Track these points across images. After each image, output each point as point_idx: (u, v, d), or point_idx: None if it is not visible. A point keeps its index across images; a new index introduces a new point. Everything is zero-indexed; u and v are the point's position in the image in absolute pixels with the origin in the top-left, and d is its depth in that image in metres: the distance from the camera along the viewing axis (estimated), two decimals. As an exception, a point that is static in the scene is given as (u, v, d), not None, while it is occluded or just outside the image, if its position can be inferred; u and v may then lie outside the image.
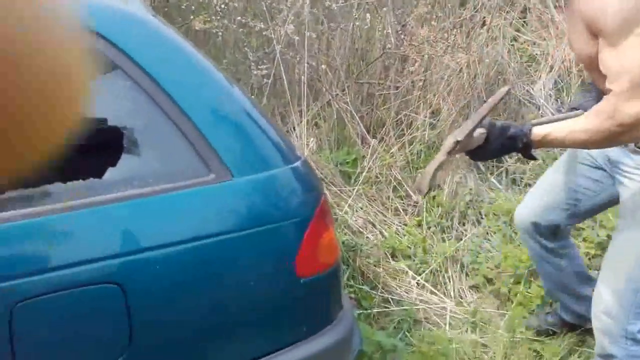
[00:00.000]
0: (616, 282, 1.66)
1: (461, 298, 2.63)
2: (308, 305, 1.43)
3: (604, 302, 1.68)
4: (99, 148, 1.29)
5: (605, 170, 1.81)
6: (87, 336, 1.22)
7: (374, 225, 2.97)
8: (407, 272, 2.64)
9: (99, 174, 1.23)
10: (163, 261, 1.25)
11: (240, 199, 1.36)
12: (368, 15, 3.05)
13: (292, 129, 3.23)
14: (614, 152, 1.70)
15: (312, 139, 3.09)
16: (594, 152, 1.79)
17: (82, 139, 0.38)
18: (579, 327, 2.24)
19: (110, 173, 1.24)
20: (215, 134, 1.34)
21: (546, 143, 1.55)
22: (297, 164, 1.46)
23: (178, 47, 1.36)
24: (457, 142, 1.53)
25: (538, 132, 1.52)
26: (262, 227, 1.37)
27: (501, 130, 1.52)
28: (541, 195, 2.01)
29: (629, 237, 1.65)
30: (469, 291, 2.66)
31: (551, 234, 2.02)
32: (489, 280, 2.66)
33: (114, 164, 1.24)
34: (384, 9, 3.35)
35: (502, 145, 1.53)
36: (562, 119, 1.60)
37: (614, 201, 1.82)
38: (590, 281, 2.07)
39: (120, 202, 1.22)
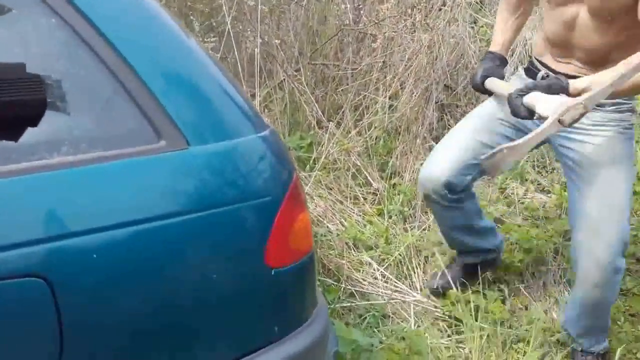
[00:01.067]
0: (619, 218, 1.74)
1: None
2: (280, 300, 1.19)
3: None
4: (15, 103, 1.00)
5: (526, 133, 1.80)
6: (6, 345, 0.93)
7: (333, 214, 2.76)
8: (370, 263, 2.44)
9: (15, 136, 0.95)
10: (99, 249, 0.98)
11: (197, 173, 1.10)
12: (327, -13, 2.83)
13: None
14: None
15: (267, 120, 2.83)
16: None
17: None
18: (480, 266, 2.23)
19: (29, 135, 0.95)
20: (167, 91, 1.08)
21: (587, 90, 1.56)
22: (266, 132, 1.22)
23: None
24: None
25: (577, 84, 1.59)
26: (225, 207, 1.12)
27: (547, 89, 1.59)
28: (455, 153, 1.94)
29: (607, 180, 1.73)
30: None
31: (461, 190, 1.98)
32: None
33: (34, 123, 0.96)
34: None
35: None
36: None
37: None
38: (481, 212, 2.18)
39: (42, 172, 0.94)
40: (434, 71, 3.15)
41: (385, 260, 2.49)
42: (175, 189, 1.07)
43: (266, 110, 3.21)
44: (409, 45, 3.05)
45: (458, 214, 2.07)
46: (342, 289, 2.20)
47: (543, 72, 1.79)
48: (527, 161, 3.19)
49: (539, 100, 1.58)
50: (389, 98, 3.07)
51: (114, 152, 1.02)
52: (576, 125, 1.61)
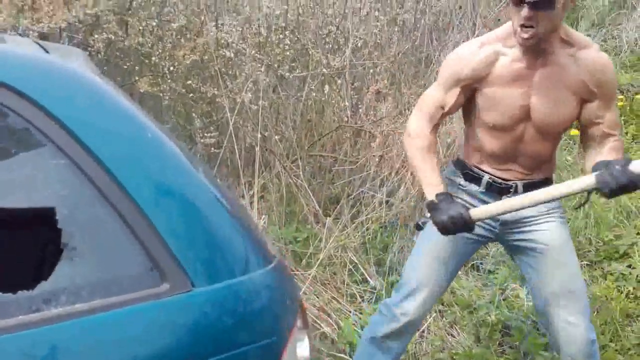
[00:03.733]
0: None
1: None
2: None
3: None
4: (11, 251, 0.96)
5: (483, 240, 1.94)
6: None
7: (329, 315, 2.67)
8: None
9: (12, 288, 0.89)
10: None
11: (202, 316, 1.04)
12: (327, 86, 2.88)
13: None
14: (512, 214, 1.80)
15: (263, 215, 2.79)
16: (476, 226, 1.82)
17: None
18: None
19: (27, 286, 0.90)
20: (173, 230, 1.04)
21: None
22: (272, 265, 1.18)
23: (134, 120, 1.07)
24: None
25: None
26: (230, 352, 1.06)
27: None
28: (433, 294, 1.91)
29: (566, 258, 1.86)
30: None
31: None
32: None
33: (32, 274, 0.91)
34: (339, 81, 3.22)
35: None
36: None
37: None
38: None
39: (35, 328, 0.88)
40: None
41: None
42: (179, 335, 1.01)
43: (262, 201, 3.19)
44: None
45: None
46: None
47: (487, 177, 1.84)
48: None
49: None
50: (386, 194, 3.06)
51: (113, 299, 0.96)
52: (525, 219, 1.82)
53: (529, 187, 1.79)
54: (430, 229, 1.81)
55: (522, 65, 1.74)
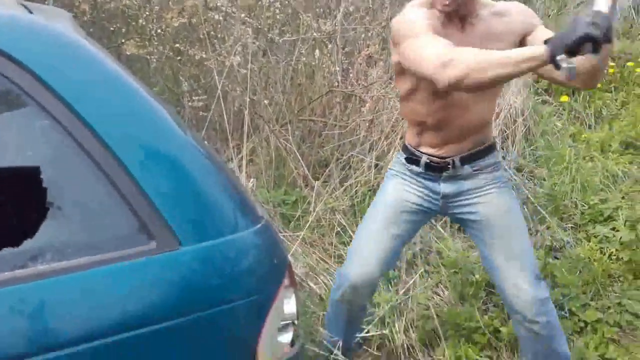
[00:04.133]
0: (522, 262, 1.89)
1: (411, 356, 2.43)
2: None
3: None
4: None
5: (428, 211, 1.96)
6: None
7: (316, 275, 2.72)
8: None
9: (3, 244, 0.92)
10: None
11: (189, 274, 1.07)
12: (317, 51, 2.86)
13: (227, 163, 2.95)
14: (452, 186, 1.89)
15: (252, 178, 2.81)
16: (416, 197, 1.92)
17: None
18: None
19: (11, 241, 0.92)
20: (158, 188, 1.06)
21: None
22: (260, 225, 1.20)
23: (120, 81, 1.08)
24: None
25: None
26: (217, 307, 1.09)
27: None
28: (380, 255, 1.94)
29: (508, 228, 1.88)
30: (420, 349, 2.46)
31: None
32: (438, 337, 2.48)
33: (18, 229, 0.93)
34: (330, 46, 3.19)
35: None
36: None
37: None
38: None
39: (21, 284, 0.91)
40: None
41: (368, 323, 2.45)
42: (166, 292, 1.04)
43: (251, 164, 3.20)
44: (396, 106, 3.08)
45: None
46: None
47: (425, 158, 1.89)
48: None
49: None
50: (376, 158, 3.08)
51: (100, 257, 0.99)
52: (465, 192, 1.89)
53: (465, 160, 1.86)
54: (378, 197, 1.98)
55: (452, 30, 1.74)
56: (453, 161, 1.88)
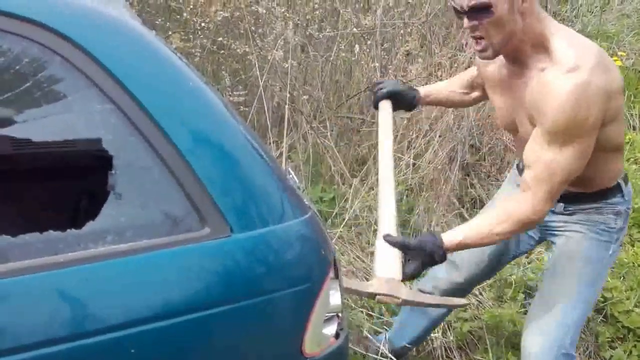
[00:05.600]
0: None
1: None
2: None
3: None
4: (57, 190, 0.99)
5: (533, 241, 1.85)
6: None
7: (353, 273, 2.71)
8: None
9: (59, 226, 0.93)
10: (139, 342, 0.95)
11: (240, 261, 1.08)
12: (357, 46, 2.85)
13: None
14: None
15: (293, 172, 2.81)
16: None
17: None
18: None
19: (75, 225, 0.94)
20: (211, 175, 1.07)
21: (462, 247, 1.55)
22: (307, 216, 1.20)
23: (176, 68, 1.09)
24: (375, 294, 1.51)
25: (450, 240, 1.52)
26: (265, 296, 1.09)
27: (418, 251, 1.51)
28: (463, 267, 1.89)
29: (559, 277, 1.68)
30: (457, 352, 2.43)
31: None
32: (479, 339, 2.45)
33: (80, 213, 0.95)
34: (369, 42, 3.18)
35: (423, 263, 1.53)
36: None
37: None
38: None
39: (82, 265, 0.92)
40: (459, 129, 3.14)
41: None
42: (218, 278, 1.05)
43: (289, 161, 3.21)
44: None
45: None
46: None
47: None
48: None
49: (382, 253, 1.54)
50: (413, 156, 3.05)
51: (157, 240, 1.00)
52: (553, 220, 1.68)
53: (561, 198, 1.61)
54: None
55: (505, 72, 1.58)
56: None
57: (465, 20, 1.45)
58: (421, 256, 1.50)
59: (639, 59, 3.98)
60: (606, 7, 4.52)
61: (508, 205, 1.54)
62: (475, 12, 1.41)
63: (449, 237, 1.52)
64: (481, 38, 1.45)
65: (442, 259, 1.52)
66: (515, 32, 1.43)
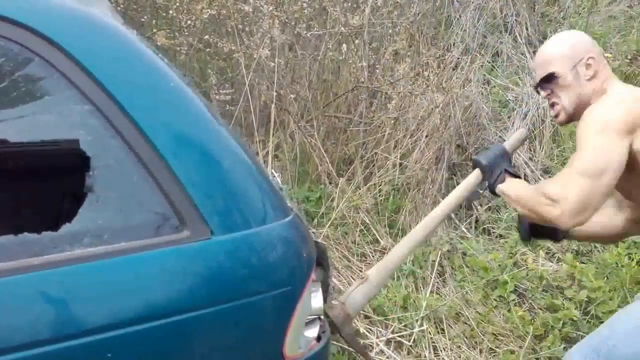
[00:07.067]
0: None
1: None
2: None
3: None
4: (38, 191, 0.98)
5: None
6: None
7: (339, 272, 2.71)
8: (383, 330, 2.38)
9: (37, 228, 0.92)
10: (116, 346, 0.94)
11: (221, 264, 1.07)
12: (344, 45, 2.84)
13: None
14: None
15: (278, 173, 2.80)
16: None
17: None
18: None
19: (51, 227, 0.92)
20: (192, 178, 1.05)
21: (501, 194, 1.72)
22: (289, 218, 1.19)
23: (157, 69, 1.07)
24: None
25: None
26: (246, 299, 1.08)
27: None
28: None
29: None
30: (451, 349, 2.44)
31: None
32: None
33: (57, 214, 0.93)
34: (357, 41, 3.17)
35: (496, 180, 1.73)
36: None
37: None
38: None
39: (58, 268, 0.91)
40: (445, 129, 3.14)
41: (397, 327, 2.42)
42: (198, 281, 1.04)
43: (275, 160, 3.19)
44: (422, 104, 3.05)
45: None
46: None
47: None
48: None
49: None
50: (400, 156, 3.05)
51: (136, 243, 0.98)
52: None
53: None
54: None
55: None
56: None
57: (542, 92, 1.67)
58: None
59: (625, 60, 4.01)
60: (593, 8, 4.55)
61: None
62: (546, 82, 1.65)
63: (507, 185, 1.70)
64: (555, 104, 1.66)
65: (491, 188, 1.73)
66: (581, 95, 1.62)
